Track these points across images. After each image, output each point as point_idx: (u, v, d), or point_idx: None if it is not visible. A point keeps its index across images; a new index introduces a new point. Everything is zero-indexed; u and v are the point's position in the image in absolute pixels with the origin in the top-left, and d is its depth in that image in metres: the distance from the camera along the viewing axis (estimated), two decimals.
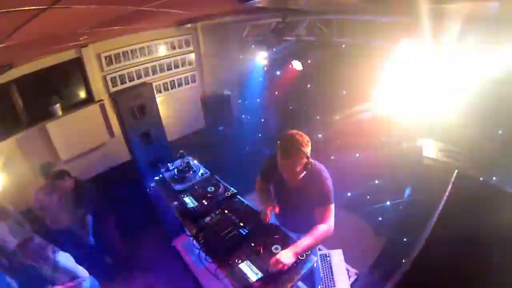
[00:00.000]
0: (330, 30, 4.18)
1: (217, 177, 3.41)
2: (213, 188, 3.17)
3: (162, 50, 5.56)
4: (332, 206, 2.53)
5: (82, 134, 5.00)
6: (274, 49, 4.98)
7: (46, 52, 4.41)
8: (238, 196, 3.11)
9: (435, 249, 1.77)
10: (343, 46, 4.36)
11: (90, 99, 5.14)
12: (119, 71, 5.21)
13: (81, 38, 4.19)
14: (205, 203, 3.00)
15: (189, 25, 5.35)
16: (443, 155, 3.30)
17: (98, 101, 5.10)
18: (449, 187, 2.00)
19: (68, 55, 4.79)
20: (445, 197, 1.96)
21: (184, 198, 3.10)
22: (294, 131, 2.43)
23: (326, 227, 2.46)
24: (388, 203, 4.33)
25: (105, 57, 5.06)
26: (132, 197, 4.66)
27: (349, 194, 4.64)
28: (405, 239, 3.70)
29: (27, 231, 3.85)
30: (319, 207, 2.52)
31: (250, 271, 2.36)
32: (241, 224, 2.73)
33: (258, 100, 5.98)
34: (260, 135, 6.13)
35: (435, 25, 2.67)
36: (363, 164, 4.46)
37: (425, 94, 3.10)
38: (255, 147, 5.77)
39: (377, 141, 4.31)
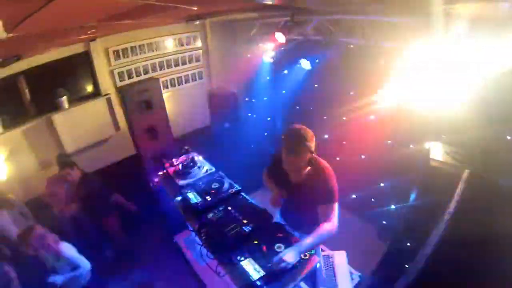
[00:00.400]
0: (338, 30, 4.15)
1: (222, 174, 3.39)
2: (217, 185, 3.15)
3: (170, 46, 5.55)
4: (336, 204, 2.51)
5: (88, 127, 5.03)
6: (282, 48, 4.97)
7: (54, 45, 4.44)
8: (242, 193, 3.08)
9: (448, 248, 1.74)
10: (352, 46, 4.32)
11: (97, 93, 5.16)
12: (126, 66, 5.21)
13: (89, 32, 4.21)
14: (209, 199, 2.98)
15: (197, 22, 5.34)
16: (450, 157, 3.25)
17: (105, 95, 5.11)
18: (461, 187, 1.97)
19: (76, 48, 4.81)
20: (456, 197, 1.92)
21: (188, 194, 3.08)
22: (299, 126, 2.43)
23: (330, 225, 2.44)
24: (392, 206, 4.29)
25: (113, 52, 5.08)
26: (135, 192, 4.64)
27: (353, 196, 4.60)
28: (408, 244, 3.66)
29: (30, 221, 3.87)
30: (323, 204, 2.49)
31: (252, 269, 2.33)
32: (245, 221, 2.70)
33: (265, 98, 5.95)
34: (266, 133, 6.11)
35: (444, 25, 2.65)
36: (368, 166, 4.43)
37: (432, 93, 3.08)
38: (261, 146, 5.75)
39: (383, 143, 4.27)
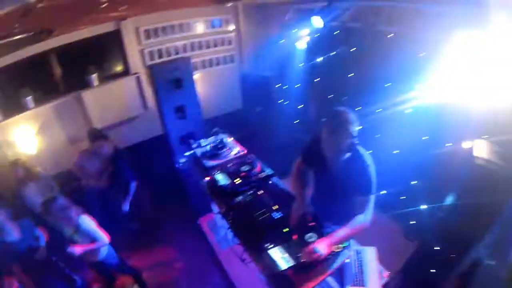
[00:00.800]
0: (378, 18, 3.93)
1: (253, 156, 3.25)
2: (248, 167, 3.03)
3: (201, 28, 5.48)
4: (373, 196, 2.35)
5: (116, 104, 5.09)
6: (317, 34, 4.78)
7: (85, 22, 4.46)
8: (274, 178, 2.95)
9: None
10: (391, 35, 4.08)
11: (126, 72, 5.19)
12: (157, 45, 5.19)
13: (120, 8, 4.17)
14: (238, 181, 2.87)
15: (230, 4, 5.23)
16: (498, 157, 3.01)
17: (134, 73, 5.11)
18: None
19: (107, 27, 4.83)
20: None
21: (216, 175, 2.98)
22: (343, 108, 2.29)
23: (363, 218, 2.29)
24: (424, 206, 4.05)
25: (144, 31, 5.05)
26: (161, 171, 4.62)
27: (383, 192, 4.38)
28: (438, 247, 3.45)
29: (55, 192, 3.91)
30: (359, 195, 2.34)
31: (280, 258, 2.19)
32: (275, 207, 2.58)
33: (297, 85, 5.75)
34: (297, 121, 5.90)
35: (494, 15, 2.42)
36: (401, 162, 4.20)
37: (478, 88, 2.85)
38: (292, 133, 5.57)
39: (419, 138, 4.03)
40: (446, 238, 3.36)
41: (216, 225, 4.07)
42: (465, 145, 3.38)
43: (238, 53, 5.97)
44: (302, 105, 5.89)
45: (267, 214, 2.52)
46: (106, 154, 4.15)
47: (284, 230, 2.40)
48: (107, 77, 5.13)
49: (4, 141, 4.63)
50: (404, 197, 4.28)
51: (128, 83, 5.09)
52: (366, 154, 2.40)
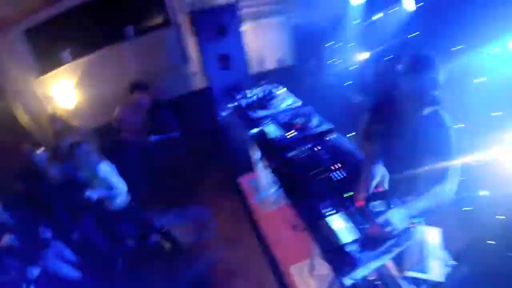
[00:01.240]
0: None
1: (309, 108, 2.82)
2: (303, 119, 2.61)
3: None
4: (456, 163, 1.86)
5: (156, 56, 4.89)
6: None
7: None
8: (334, 133, 2.51)
9: None
10: None
11: (166, 22, 4.92)
12: None
13: None
14: (291, 134, 2.47)
15: None
16: None
17: (174, 24, 4.81)
18: None
19: None
20: None
21: (266, 127, 2.60)
22: (428, 51, 1.87)
23: (446, 188, 1.83)
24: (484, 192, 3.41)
25: None
26: (201, 126, 4.43)
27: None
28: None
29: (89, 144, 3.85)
30: (436, 161, 1.87)
31: (343, 228, 1.77)
32: (335, 166, 2.15)
33: (351, 44, 5.14)
34: (351, 82, 5.31)
35: None
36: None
37: None
38: (345, 93, 5.05)
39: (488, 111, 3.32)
40: None
41: (258, 185, 3.76)
42: None
43: (290, 5, 5.33)
44: (356, 67, 5.28)
45: (327, 174, 2.10)
46: (146, 106, 4.08)
47: (346, 195, 1.97)
48: (146, 29, 4.91)
49: (43, 95, 4.70)
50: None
51: (168, 34, 4.82)
52: (448, 115, 1.92)
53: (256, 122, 2.76)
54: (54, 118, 4.40)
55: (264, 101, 2.98)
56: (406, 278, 2.02)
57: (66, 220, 3.55)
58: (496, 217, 3.02)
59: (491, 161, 2.74)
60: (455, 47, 3.48)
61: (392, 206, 1.80)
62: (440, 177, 1.85)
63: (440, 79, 1.81)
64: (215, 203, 4.33)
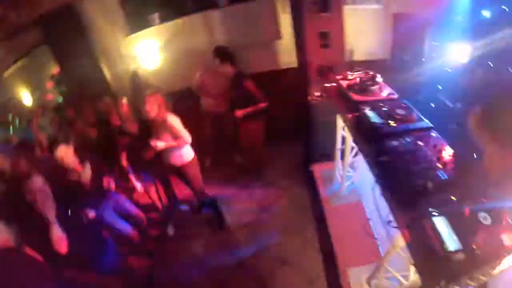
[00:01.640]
0: None
1: (408, 103, 2.58)
2: (403, 112, 2.38)
3: None
4: None
5: (246, 29, 4.70)
6: None
7: None
8: (435, 132, 2.26)
9: None
10: None
11: None
12: None
13: None
14: (393, 124, 2.26)
15: None
16: None
17: None
18: None
19: None
20: None
21: (367, 111, 2.40)
22: None
23: None
24: None
25: None
26: (285, 104, 4.27)
27: None
28: None
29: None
30: None
31: (447, 234, 1.55)
32: (440, 165, 1.92)
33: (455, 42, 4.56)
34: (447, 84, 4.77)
35: None
36: None
37: None
38: (438, 96, 4.57)
39: None
40: None
41: (332, 176, 3.58)
42: None
43: None
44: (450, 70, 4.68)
45: (431, 172, 1.87)
46: (229, 75, 3.99)
47: (453, 198, 1.72)
48: None
49: (128, 55, 4.84)
50: None
51: (260, 6, 4.60)
52: None
53: (357, 105, 2.57)
54: (135, 76, 4.56)
55: (366, 85, 2.76)
56: None
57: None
58: None
59: None
60: None
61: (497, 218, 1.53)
62: None
63: None
64: (281, 186, 4.22)
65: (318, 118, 3.54)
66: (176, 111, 3.40)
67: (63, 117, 5.58)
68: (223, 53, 4.14)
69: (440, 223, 1.60)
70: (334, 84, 3.03)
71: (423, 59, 4.75)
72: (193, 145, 3.45)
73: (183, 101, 4.14)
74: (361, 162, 3.14)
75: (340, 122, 3.16)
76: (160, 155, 3.45)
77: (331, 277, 2.99)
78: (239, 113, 4.02)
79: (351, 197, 3.41)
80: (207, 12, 4.71)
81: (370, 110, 2.42)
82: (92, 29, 4.68)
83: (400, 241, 1.95)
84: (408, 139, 2.15)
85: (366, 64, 4.89)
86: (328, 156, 3.72)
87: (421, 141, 2.13)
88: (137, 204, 3.80)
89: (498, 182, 1.58)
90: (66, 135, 3.77)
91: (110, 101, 4.35)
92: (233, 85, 3.99)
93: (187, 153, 3.45)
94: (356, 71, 3.11)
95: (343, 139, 3.22)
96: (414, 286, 2.22)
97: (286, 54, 4.63)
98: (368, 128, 2.29)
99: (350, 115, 2.55)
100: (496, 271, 1.48)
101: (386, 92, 2.74)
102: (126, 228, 3.51)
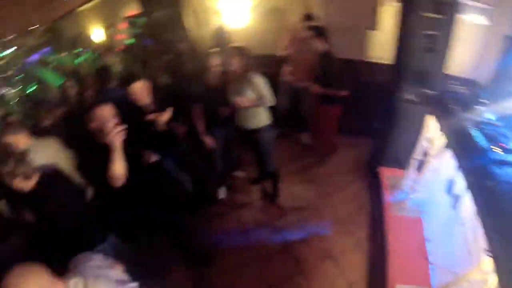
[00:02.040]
0: None
1: None
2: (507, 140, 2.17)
3: None
4: None
5: (343, 7, 4.45)
6: None
7: None
8: None
9: None
10: None
11: None
12: None
13: None
14: (500, 151, 2.05)
15: None
16: None
17: None
18: None
19: None
20: None
21: (473, 130, 2.20)
22: None
23: None
24: None
25: None
26: (367, 99, 4.05)
27: None
28: None
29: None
30: None
31: None
32: None
33: None
34: None
35: None
36: None
37: None
38: None
39: None
40: None
41: (401, 184, 3.41)
42: None
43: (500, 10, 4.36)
44: None
45: None
46: (318, 50, 3.71)
47: None
48: None
49: (211, 8, 4.85)
50: None
51: None
52: None
53: (458, 120, 2.36)
54: (220, 31, 4.50)
55: (469, 101, 2.52)
56: None
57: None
58: None
59: None
60: None
61: None
62: None
63: None
64: (343, 178, 4.08)
65: (401, 122, 3.31)
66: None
67: (132, 58, 5.76)
68: (318, 28, 3.86)
69: None
70: (433, 92, 2.81)
71: None
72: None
73: (264, 68, 4.08)
74: (435, 178, 2.95)
75: (426, 132, 2.95)
76: (235, 114, 3.40)
77: (374, 286, 2.89)
78: (317, 89, 3.81)
79: (413, 211, 3.22)
80: None
81: (475, 129, 2.22)
82: None
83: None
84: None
85: (462, 81, 4.53)
86: (398, 162, 3.54)
87: None
88: (197, 160, 3.77)
89: None
90: (138, 74, 3.78)
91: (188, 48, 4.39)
92: (320, 63, 3.75)
93: (265, 117, 3.35)
94: (457, 84, 2.87)
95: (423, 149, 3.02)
96: None
97: (379, 47, 4.39)
98: (476, 149, 2.10)
99: (448, 129, 2.36)
100: None
101: (490, 115, 2.50)
102: (183, 180, 3.52)
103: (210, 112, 3.41)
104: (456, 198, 2.45)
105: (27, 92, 7.10)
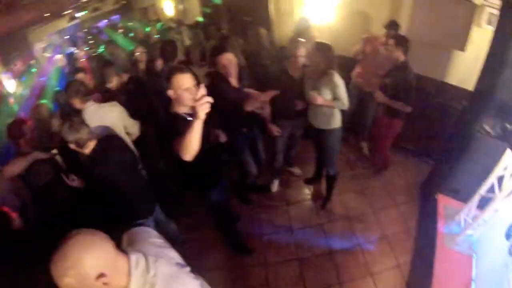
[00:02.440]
0: None
1: None
2: None
3: None
4: None
5: (436, 20, 4.17)
6: None
7: None
8: None
9: None
10: None
11: None
12: None
13: None
14: None
15: None
16: None
17: None
18: None
19: None
20: None
21: None
22: None
23: None
24: None
25: None
26: (436, 122, 3.94)
27: None
28: None
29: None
30: None
31: None
32: None
33: None
34: None
35: None
36: None
37: None
38: None
39: None
40: None
41: (455, 215, 3.26)
42: None
43: None
44: None
45: None
46: (395, 61, 3.51)
47: None
48: None
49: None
50: None
51: (458, 9, 3.93)
52: None
53: None
54: (304, 22, 4.46)
55: None
56: None
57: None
58: None
59: None
60: None
61: None
62: None
63: None
64: (394, 197, 3.95)
65: (472, 153, 3.13)
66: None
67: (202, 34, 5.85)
68: (400, 37, 3.63)
69: None
70: None
71: None
72: None
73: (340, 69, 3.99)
74: (497, 220, 2.79)
75: (498, 169, 2.77)
76: (308, 110, 3.37)
77: None
78: (381, 97, 3.61)
79: (465, 248, 3.07)
80: None
81: None
82: None
83: None
84: None
85: None
86: (459, 193, 3.36)
87: None
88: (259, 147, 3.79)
89: None
90: (226, 46, 3.59)
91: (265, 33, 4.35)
92: (393, 73, 3.57)
93: (337, 120, 3.29)
94: None
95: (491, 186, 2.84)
96: None
97: (462, 70, 4.09)
98: None
99: None
100: None
101: None
102: (250, 164, 3.50)
103: (283, 102, 3.28)
104: None
105: (98, 52, 7.40)
